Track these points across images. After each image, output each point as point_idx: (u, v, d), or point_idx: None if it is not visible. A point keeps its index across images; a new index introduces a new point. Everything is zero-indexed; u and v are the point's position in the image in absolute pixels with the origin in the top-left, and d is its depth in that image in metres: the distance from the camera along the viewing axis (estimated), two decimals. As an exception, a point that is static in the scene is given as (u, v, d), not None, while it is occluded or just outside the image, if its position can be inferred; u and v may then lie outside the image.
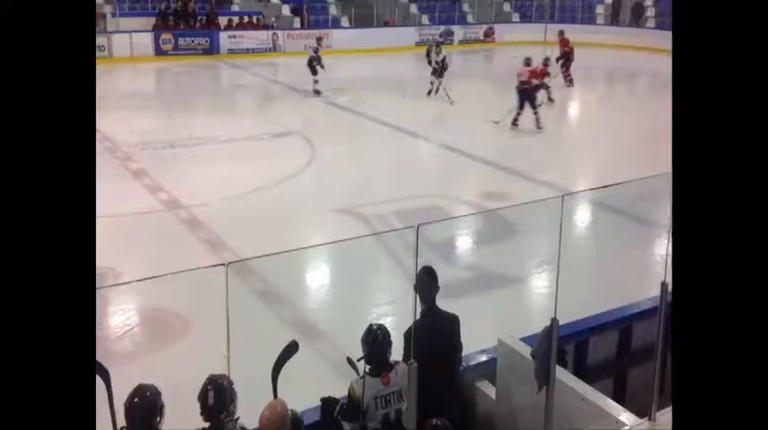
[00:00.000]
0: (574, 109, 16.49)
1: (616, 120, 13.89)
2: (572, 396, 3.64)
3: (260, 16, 22.61)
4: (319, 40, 16.50)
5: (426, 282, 3.76)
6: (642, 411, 3.57)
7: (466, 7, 26.00)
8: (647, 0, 24.33)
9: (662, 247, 6.93)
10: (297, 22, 23.09)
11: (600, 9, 25.28)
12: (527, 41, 23.02)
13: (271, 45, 21.90)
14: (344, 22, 23.81)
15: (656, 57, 19.62)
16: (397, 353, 3.53)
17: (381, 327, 3.49)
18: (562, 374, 3.69)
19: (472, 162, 10.64)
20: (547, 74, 13.42)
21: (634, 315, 4.54)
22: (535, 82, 12.43)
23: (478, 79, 19.52)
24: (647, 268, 6.49)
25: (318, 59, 14.87)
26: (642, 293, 4.81)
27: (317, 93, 15.04)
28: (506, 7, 26.48)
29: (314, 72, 14.88)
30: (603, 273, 6.54)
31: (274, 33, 22.14)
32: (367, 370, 3.43)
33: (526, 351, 3.84)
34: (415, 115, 13.70)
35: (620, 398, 4.05)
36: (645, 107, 15.21)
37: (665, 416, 3.56)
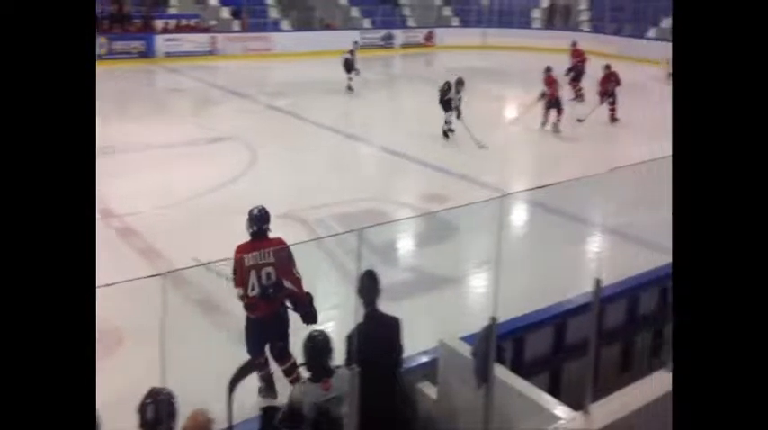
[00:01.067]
0: (510, 112, 16.84)
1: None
2: (510, 392, 3.71)
3: (198, 19, 22.21)
4: (355, 44, 17.29)
5: (368, 286, 3.77)
6: (576, 404, 3.68)
7: (406, 11, 26.22)
8: (581, 4, 25.08)
9: (595, 244, 7.18)
10: (236, 25, 22.78)
11: (536, 13, 25.92)
12: (467, 45, 23.44)
13: (209, 48, 21.54)
14: (285, 25, 23.64)
15: (590, 60, 20.26)
16: (339, 357, 3.53)
17: (322, 333, 3.49)
18: (500, 371, 3.76)
19: (412, 164, 10.74)
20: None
21: (568, 311, 4.67)
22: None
23: (419, 83, 19.68)
24: (581, 265, 6.70)
25: (352, 62, 16.09)
26: (576, 289, 4.95)
27: (351, 89, 16.19)
28: (446, 12, 26.84)
29: (348, 71, 16.13)
30: (540, 271, 6.70)
31: (213, 36, 21.79)
32: (308, 376, 3.42)
33: (467, 350, 3.90)
34: (356, 118, 13.74)
35: (555, 392, 4.15)
36: (579, 109, 15.66)
37: (599, 408, 3.67)
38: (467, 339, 4.10)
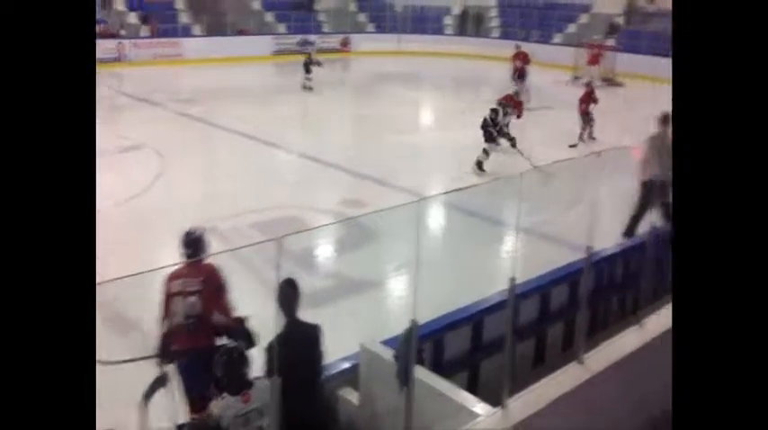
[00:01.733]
0: (430, 116, 17.15)
1: (466, 127, 14.57)
2: (430, 392, 3.76)
3: (104, 25, 21.32)
4: (313, 44, 18.21)
5: (288, 294, 3.74)
6: (494, 400, 3.77)
7: (322, 17, 26.19)
8: (492, 11, 25.86)
9: (509, 244, 7.41)
10: (145, 30, 22.03)
11: (448, 20, 26.51)
12: (382, 51, 23.66)
13: (116, 55, 20.72)
14: (196, 30, 23.07)
15: (500, 65, 20.93)
16: (258, 368, 3.48)
17: (237, 346, 3.44)
18: (421, 373, 3.81)
19: (331, 170, 10.73)
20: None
21: (485, 309, 4.78)
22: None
23: (337, 87, 19.72)
24: (497, 264, 6.89)
25: (312, 62, 17.10)
26: (492, 288, 5.09)
27: (310, 89, 17.05)
28: (361, 18, 27.01)
29: (307, 71, 17.10)
30: (458, 272, 6.84)
31: (120, 42, 20.98)
32: (227, 390, 3.36)
33: (388, 354, 3.93)
34: (272, 125, 13.57)
35: (474, 389, 4.25)
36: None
37: (516, 402, 3.79)
38: (388, 343, 4.12)
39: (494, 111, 10.61)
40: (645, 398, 4.70)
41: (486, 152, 10.37)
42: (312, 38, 23.96)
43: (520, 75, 16.75)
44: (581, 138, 12.43)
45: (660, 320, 4.86)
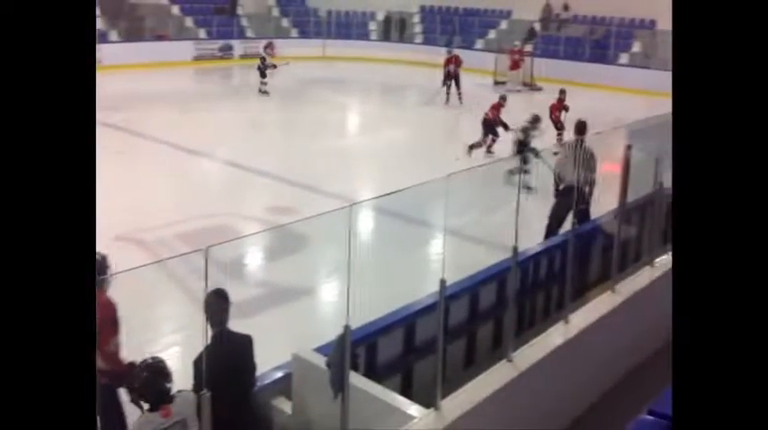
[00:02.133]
0: (356, 121, 17.20)
1: (394, 131, 14.75)
2: (365, 397, 3.77)
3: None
4: (267, 47, 17.94)
5: (216, 305, 3.66)
6: (428, 402, 3.83)
7: (244, 22, 25.81)
8: (415, 18, 26.22)
9: (439, 247, 7.52)
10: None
11: (372, 25, 26.69)
12: (307, 56, 23.53)
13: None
14: (113, 36, 22.25)
15: (424, 70, 21.26)
16: (187, 382, 3.39)
17: (154, 359, 3.35)
18: (355, 378, 3.81)
19: (258, 177, 10.58)
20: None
21: (417, 311, 4.84)
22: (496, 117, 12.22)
23: (263, 93, 19.45)
24: (427, 266, 6.98)
25: (266, 65, 17.11)
26: (423, 290, 5.15)
27: (266, 93, 17.14)
28: (285, 23, 26.79)
29: (263, 76, 17.10)
30: (390, 275, 6.89)
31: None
32: (146, 406, 3.26)
33: (321, 361, 3.91)
34: (196, 132, 13.26)
35: (407, 392, 4.29)
36: (419, 118, 16.38)
37: (448, 403, 3.85)
38: (321, 350, 4.11)
39: (525, 128, 10.56)
40: (572, 391, 4.89)
41: (524, 171, 9.45)
42: (233, 42, 23.62)
43: (453, 78, 17.24)
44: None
45: (583, 316, 5.07)
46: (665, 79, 16.69)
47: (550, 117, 12.72)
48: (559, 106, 12.78)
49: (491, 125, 12.22)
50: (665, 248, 6.28)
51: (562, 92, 13.14)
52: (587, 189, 6.56)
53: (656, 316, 5.79)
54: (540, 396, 4.47)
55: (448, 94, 17.30)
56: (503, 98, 12.81)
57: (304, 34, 26.29)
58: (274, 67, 17.33)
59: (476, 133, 12.49)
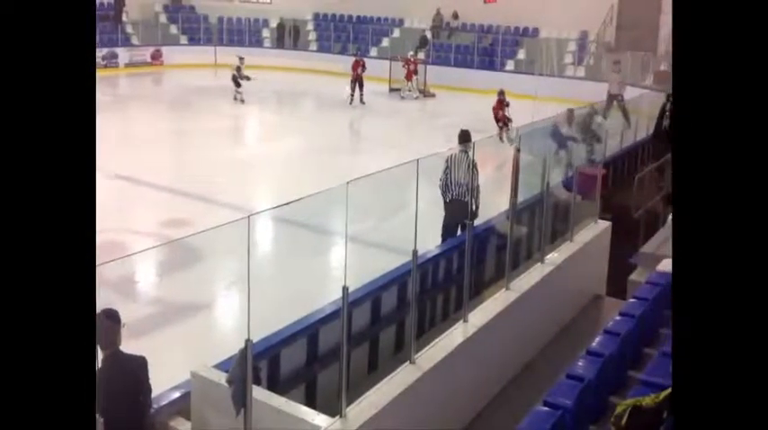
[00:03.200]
0: (251, 130, 16.92)
1: (291, 139, 14.61)
2: (269, 411, 3.71)
3: None
4: (241, 59, 17.87)
5: (107, 327, 3.47)
6: (333, 410, 3.81)
7: (129, 29, 24.72)
8: (309, 25, 26.15)
9: (340, 254, 7.53)
10: None
11: (266, 32, 26.36)
12: (197, 64, 22.89)
13: None
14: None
15: (318, 78, 21.26)
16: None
17: None
18: (258, 393, 3.73)
19: (149, 190, 10.16)
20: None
21: (319, 320, 4.81)
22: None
23: (151, 102, 18.73)
24: (329, 274, 6.97)
25: (241, 76, 17.38)
26: (326, 298, 5.13)
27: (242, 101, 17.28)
28: (173, 29, 25.91)
29: (237, 85, 17.42)
30: (292, 285, 6.82)
31: None
32: None
33: (222, 377, 3.80)
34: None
35: (311, 402, 4.26)
36: (315, 125, 16.34)
37: (354, 409, 3.86)
38: (221, 366, 3.99)
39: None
40: (473, 388, 5.03)
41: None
42: (118, 51, 22.60)
43: (358, 82, 17.92)
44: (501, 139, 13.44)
45: (481, 314, 5.24)
46: (548, 84, 17.62)
47: (495, 117, 14.08)
48: (501, 106, 14.10)
49: (504, 118, 13.76)
50: (553, 246, 6.62)
51: (501, 92, 14.51)
52: (474, 200, 6.77)
53: (547, 310, 6.10)
54: (442, 395, 4.57)
55: (352, 95, 17.87)
56: (501, 93, 14.36)
57: (194, 41, 25.55)
58: (248, 78, 17.47)
59: (377, 137, 12.64)
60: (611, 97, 14.43)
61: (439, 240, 7.19)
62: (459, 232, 6.81)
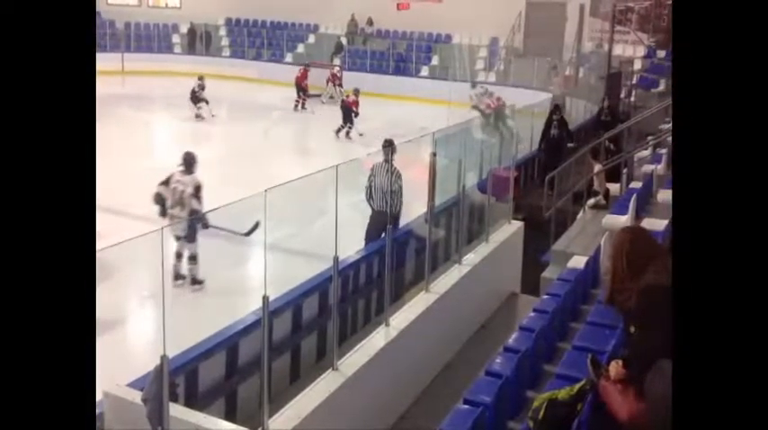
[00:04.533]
0: (162, 138, 16.38)
1: (204, 147, 14.25)
2: (187, 428, 3.60)
3: None
4: (201, 78, 17.48)
5: None
6: (255, 423, 3.74)
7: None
8: (221, 30, 25.62)
9: (260, 262, 7.40)
10: None
11: (176, 38, 25.62)
12: (104, 71, 21.92)
13: None
14: None
15: (232, 84, 20.85)
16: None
17: None
18: (175, 410, 3.61)
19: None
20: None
21: (239, 331, 4.72)
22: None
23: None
24: (249, 283, 6.84)
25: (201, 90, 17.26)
26: (246, 308, 5.03)
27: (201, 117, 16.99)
28: (75, 34, 24.78)
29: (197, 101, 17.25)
30: (210, 297, 6.65)
31: None
32: None
33: (137, 396, 3.66)
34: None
35: (232, 416, 4.16)
36: (231, 133, 16.03)
37: (276, 421, 3.80)
38: (135, 384, 3.84)
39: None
40: (396, 390, 5.07)
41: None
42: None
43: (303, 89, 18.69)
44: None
45: (402, 316, 5.29)
46: (462, 90, 18.06)
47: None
48: (354, 104, 15.44)
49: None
50: (470, 247, 6.78)
51: (356, 92, 15.91)
52: (397, 209, 6.88)
53: (465, 310, 6.23)
54: (366, 399, 4.58)
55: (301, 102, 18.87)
56: (356, 91, 15.71)
57: (100, 48, 24.49)
58: (206, 102, 17.20)
59: (293, 143, 12.52)
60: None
61: (362, 245, 7.23)
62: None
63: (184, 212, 7.14)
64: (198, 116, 17.03)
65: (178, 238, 7.23)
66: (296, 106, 18.25)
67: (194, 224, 7.10)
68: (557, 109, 12.24)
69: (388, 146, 7.31)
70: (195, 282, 7.12)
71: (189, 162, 7.27)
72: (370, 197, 7.08)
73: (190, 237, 7.18)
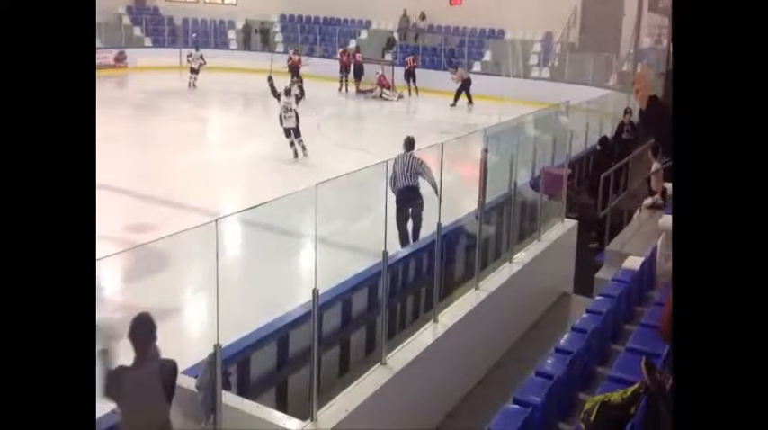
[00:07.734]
0: (217, 132, 16.73)
1: (257, 142, 14.49)
2: (239, 416, 3.68)
3: None
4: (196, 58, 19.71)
5: (146, 330, 3.47)
6: (305, 413, 3.79)
7: (90, 30, 24.27)
8: (276, 26, 25.99)
9: (310, 257, 7.49)
10: None
11: (232, 34, 26.11)
12: (163, 66, 22.57)
13: None
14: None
15: (285, 80, 21.07)
16: None
17: None
18: (228, 398, 3.70)
19: (114, 194, 9.96)
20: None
21: (289, 324, 4.78)
22: None
23: (112, 106, 18.38)
24: (299, 276, 6.93)
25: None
26: (296, 301, 5.10)
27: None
28: (137, 31, 25.51)
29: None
30: (261, 289, 6.76)
31: None
32: None
33: (191, 383, 3.76)
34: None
35: (282, 406, 4.23)
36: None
37: (325, 412, 3.84)
38: (189, 372, 3.94)
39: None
40: (444, 387, 5.05)
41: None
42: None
43: (348, 71, 20.11)
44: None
45: (451, 313, 5.27)
46: (514, 86, 17.83)
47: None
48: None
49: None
50: (521, 245, 6.69)
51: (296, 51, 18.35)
52: (418, 203, 7.37)
53: (515, 309, 6.16)
54: (413, 395, 4.59)
55: (344, 82, 20.26)
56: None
57: (159, 43, 25.19)
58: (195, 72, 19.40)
59: (343, 139, 12.57)
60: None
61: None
62: (410, 223, 7.46)
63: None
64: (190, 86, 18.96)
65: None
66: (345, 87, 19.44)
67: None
68: (629, 111, 11.77)
69: (408, 143, 7.87)
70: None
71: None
72: (393, 185, 7.35)
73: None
